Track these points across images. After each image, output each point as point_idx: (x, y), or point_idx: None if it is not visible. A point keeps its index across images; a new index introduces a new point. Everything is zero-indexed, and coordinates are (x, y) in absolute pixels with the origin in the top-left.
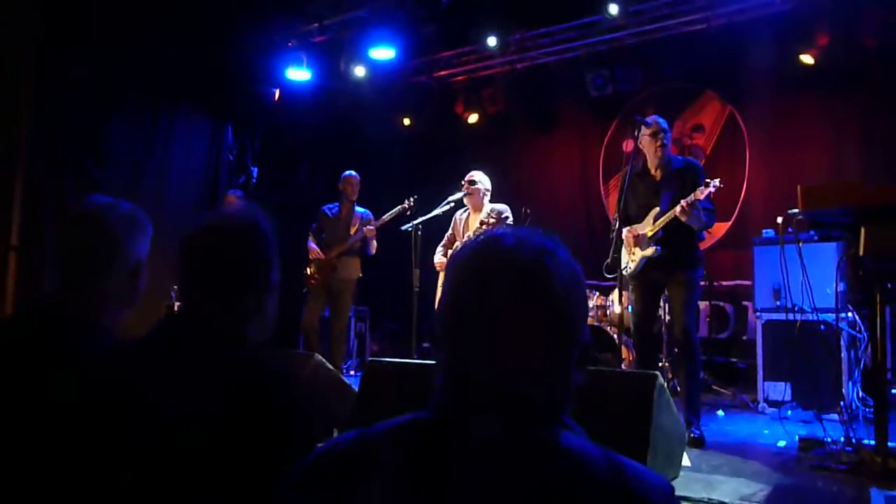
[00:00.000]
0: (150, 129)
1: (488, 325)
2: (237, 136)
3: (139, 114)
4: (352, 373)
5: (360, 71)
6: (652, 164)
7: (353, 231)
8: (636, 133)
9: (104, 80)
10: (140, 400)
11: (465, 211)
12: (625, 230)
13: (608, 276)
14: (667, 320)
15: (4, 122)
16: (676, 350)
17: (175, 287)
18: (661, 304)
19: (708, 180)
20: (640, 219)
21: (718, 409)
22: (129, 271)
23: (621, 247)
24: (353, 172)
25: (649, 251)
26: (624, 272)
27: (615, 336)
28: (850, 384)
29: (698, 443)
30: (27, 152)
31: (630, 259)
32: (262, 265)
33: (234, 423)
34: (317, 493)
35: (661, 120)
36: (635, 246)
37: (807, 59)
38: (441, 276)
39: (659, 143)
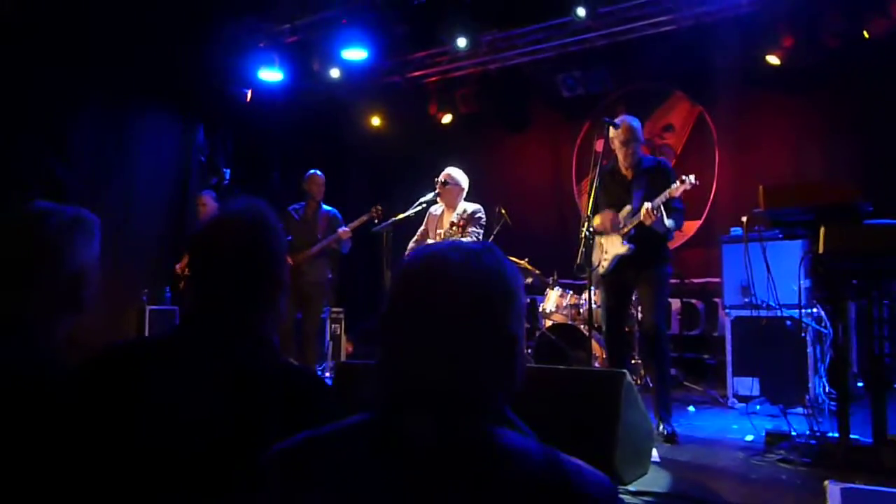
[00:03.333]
0: (119, 130)
1: (420, 326)
2: (209, 136)
3: (107, 114)
4: (327, 374)
5: (333, 72)
6: (623, 164)
7: (319, 232)
8: (605, 133)
9: (70, 79)
10: (157, 400)
11: (439, 207)
12: (596, 219)
13: (580, 276)
14: (639, 318)
15: None
16: (647, 347)
17: (146, 290)
18: (633, 301)
19: (684, 176)
20: None
21: (689, 405)
22: (70, 277)
23: (592, 246)
24: (318, 171)
25: (623, 249)
26: (599, 270)
27: (586, 334)
28: (816, 379)
29: (671, 439)
30: None
31: (603, 258)
32: (273, 261)
33: (258, 419)
34: (265, 495)
35: (632, 121)
36: (607, 244)
37: (773, 59)
38: None
39: (629, 149)
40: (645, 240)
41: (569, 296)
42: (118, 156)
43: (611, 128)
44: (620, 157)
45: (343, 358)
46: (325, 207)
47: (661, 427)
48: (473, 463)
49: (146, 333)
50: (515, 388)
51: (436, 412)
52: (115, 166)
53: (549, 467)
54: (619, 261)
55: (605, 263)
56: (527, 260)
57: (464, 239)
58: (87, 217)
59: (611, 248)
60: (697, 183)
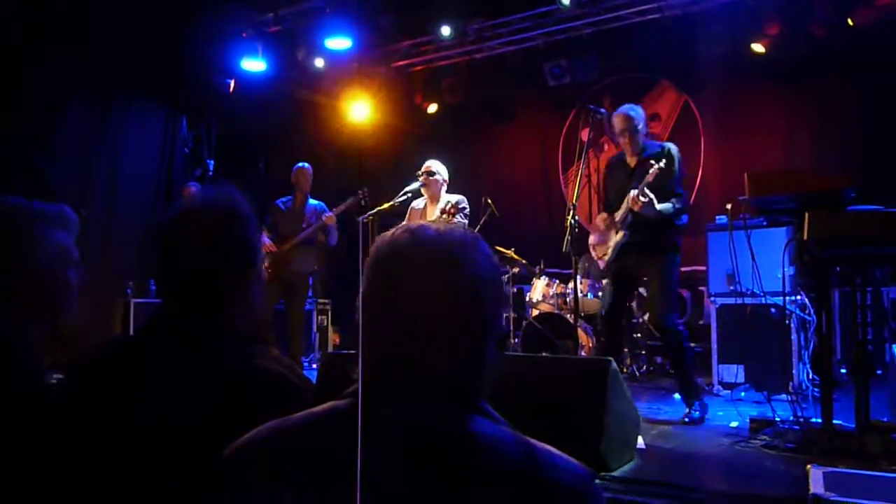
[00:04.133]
0: (102, 122)
1: (401, 313)
2: (192, 128)
3: (91, 106)
4: (314, 366)
5: (317, 62)
6: (626, 152)
7: (306, 224)
8: (591, 122)
9: (54, 72)
10: (134, 397)
11: (422, 200)
12: (599, 217)
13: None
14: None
15: None
16: (660, 338)
17: (131, 283)
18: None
19: (653, 161)
20: (617, 204)
21: (675, 393)
22: (38, 278)
23: (578, 234)
24: (306, 164)
25: (619, 236)
26: (605, 260)
27: (573, 323)
28: (800, 365)
29: (699, 421)
30: None
31: (608, 247)
32: (242, 251)
33: (232, 415)
34: (237, 484)
35: (627, 111)
36: (609, 233)
37: (758, 48)
38: None
39: (626, 138)
40: (643, 227)
41: (555, 285)
42: (102, 148)
43: (595, 115)
44: (622, 144)
45: (330, 349)
46: (312, 201)
47: (689, 411)
48: (447, 452)
49: (131, 326)
50: (489, 376)
51: (408, 399)
52: (99, 159)
53: (522, 456)
54: (620, 248)
55: (610, 251)
56: (513, 249)
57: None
58: (61, 214)
59: (612, 238)
60: (661, 168)
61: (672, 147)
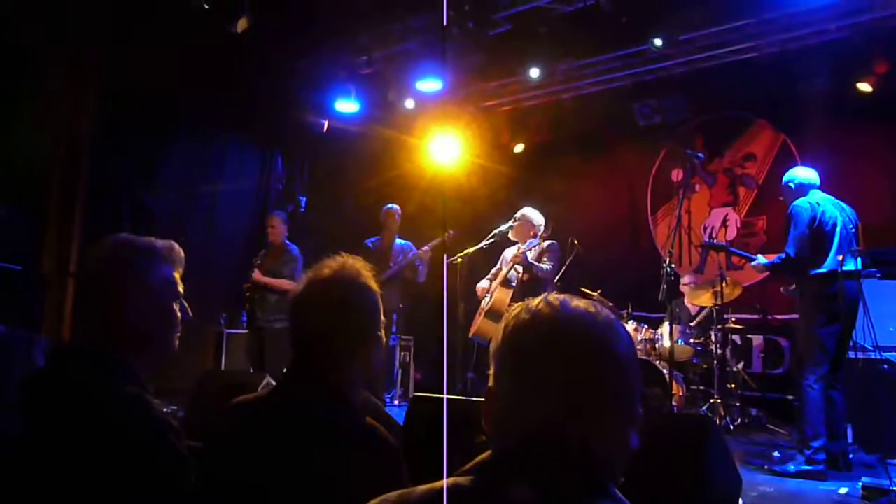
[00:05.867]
0: (203, 160)
1: (544, 392)
2: (286, 165)
3: (192, 145)
4: (395, 402)
5: (408, 103)
6: None
7: (393, 264)
8: (686, 166)
9: (161, 113)
10: (253, 454)
11: (514, 248)
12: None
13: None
14: (718, 354)
15: (68, 154)
16: None
17: (224, 314)
18: (708, 332)
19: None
20: None
21: (774, 450)
22: (139, 312)
23: (671, 282)
24: (395, 206)
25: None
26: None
27: (665, 371)
28: None
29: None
30: (87, 184)
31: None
32: (359, 321)
33: (326, 474)
34: None
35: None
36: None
37: (864, 87)
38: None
39: None
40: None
41: (644, 330)
42: (202, 185)
43: (693, 159)
44: None
45: (411, 386)
46: (400, 241)
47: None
48: None
49: (223, 357)
50: (628, 458)
51: (539, 480)
52: (200, 196)
53: None
54: None
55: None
56: (599, 292)
57: (540, 266)
58: (169, 249)
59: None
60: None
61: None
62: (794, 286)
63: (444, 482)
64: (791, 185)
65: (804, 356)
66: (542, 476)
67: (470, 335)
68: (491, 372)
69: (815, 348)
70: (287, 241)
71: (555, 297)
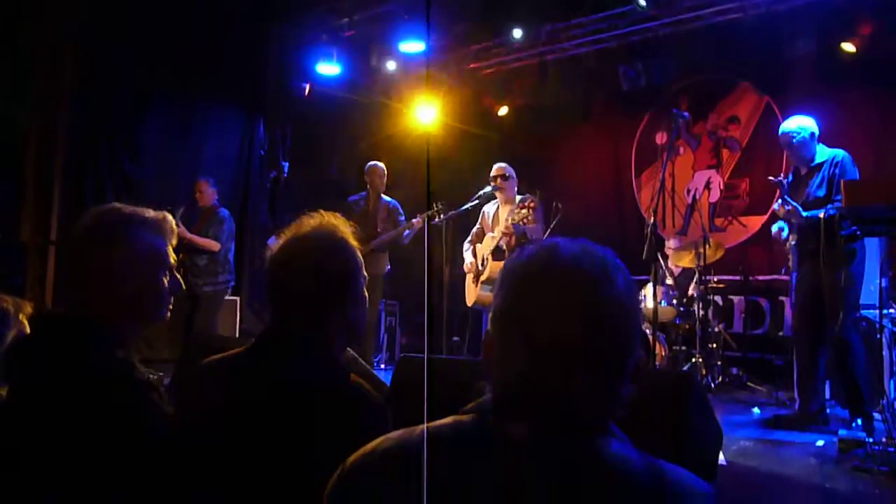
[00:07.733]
0: (184, 125)
1: (536, 333)
2: (268, 130)
3: (173, 110)
4: (382, 366)
5: (390, 65)
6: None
7: (379, 223)
8: (672, 126)
9: (139, 78)
10: (237, 413)
11: (494, 204)
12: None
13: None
14: (700, 315)
15: (45, 121)
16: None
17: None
18: (695, 297)
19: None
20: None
21: (754, 407)
22: (124, 280)
23: (655, 242)
24: (379, 163)
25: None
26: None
27: (648, 332)
28: (893, 382)
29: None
30: (65, 151)
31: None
32: (341, 282)
33: (310, 433)
34: (364, 492)
35: (787, 130)
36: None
37: (849, 47)
38: (469, 276)
39: (789, 153)
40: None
41: None
42: (184, 152)
43: (679, 119)
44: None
45: (398, 350)
46: (385, 198)
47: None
48: (578, 473)
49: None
50: (624, 400)
51: (539, 419)
52: (181, 161)
53: (651, 476)
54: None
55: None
56: None
57: (533, 229)
58: (160, 220)
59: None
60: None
61: (836, 152)
62: (794, 241)
63: (425, 426)
64: (802, 135)
65: (841, 309)
66: (539, 414)
67: (469, 304)
68: (490, 315)
69: (851, 292)
70: (216, 204)
71: (551, 242)
